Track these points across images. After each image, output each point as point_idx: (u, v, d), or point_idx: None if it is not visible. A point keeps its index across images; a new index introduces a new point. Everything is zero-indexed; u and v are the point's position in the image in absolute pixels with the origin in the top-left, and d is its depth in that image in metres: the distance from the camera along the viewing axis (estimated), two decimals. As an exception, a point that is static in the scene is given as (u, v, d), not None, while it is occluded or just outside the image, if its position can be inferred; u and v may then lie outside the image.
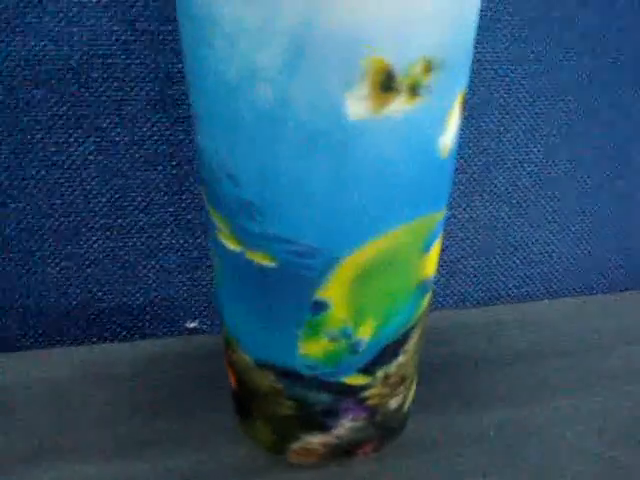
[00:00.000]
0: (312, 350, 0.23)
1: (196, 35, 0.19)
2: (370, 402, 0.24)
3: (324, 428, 0.24)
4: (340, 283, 0.22)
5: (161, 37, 0.34)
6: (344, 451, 0.25)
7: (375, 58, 0.18)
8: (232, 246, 0.22)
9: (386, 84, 0.19)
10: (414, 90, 0.19)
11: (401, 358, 0.24)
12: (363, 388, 0.24)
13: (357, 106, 0.19)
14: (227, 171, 0.21)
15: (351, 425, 0.24)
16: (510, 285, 0.43)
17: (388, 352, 0.24)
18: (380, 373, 0.24)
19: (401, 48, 0.19)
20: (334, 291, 0.22)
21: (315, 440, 0.24)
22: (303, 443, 0.25)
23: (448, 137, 0.21)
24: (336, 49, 0.18)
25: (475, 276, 0.42)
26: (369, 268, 0.22)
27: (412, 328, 0.24)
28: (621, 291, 0.45)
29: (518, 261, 0.42)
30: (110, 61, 0.33)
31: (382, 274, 0.22)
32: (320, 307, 0.22)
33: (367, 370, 0.23)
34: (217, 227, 0.22)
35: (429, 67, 0.19)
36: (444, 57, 0.20)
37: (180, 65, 0.34)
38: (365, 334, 0.23)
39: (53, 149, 0.34)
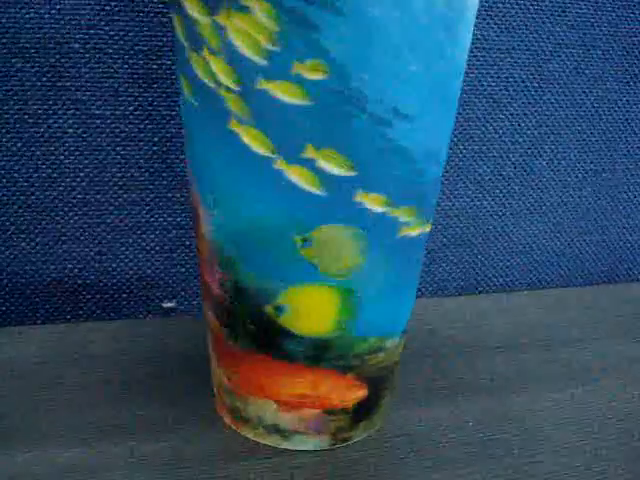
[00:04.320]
0: None
1: None
2: None
3: None
4: None
5: (146, 9, 0.33)
6: None
7: None
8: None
9: None
10: None
11: None
12: None
13: None
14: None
15: None
16: (490, 275, 0.43)
17: None
18: None
19: None
20: None
21: None
22: None
23: None
24: None
25: (455, 265, 0.42)
26: None
27: None
28: (598, 284, 0.45)
29: (498, 251, 0.42)
30: (92, 32, 0.32)
31: None
32: None
33: None
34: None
35: None
36: None
37: (165, 39, 0.33)
38: None
39: (30, 121, 0.33)
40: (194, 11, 0.19)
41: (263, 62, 0.19)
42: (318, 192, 0.21)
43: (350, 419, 0.25)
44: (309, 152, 0.20)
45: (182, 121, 0.23)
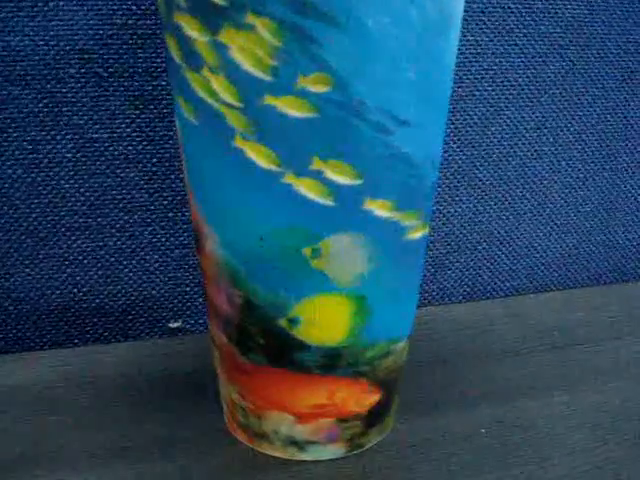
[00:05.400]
0: None
1: None
2: None
3: None
4: None
5: (140, 31, 0.33)
6: None
7: None
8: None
9: None
10: None
11: None
12: None
13: None
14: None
15: None
16: (495, 279, 0.43)
17: None
18: None
19: None
20: None
21: None
22: None
23: None
24: None
25: (461, 271, 0.42)
26: None
27: None
28: (605, 284, 0.45)
29: (503, 255, 0.42)
30: (87, 57, 0.33)
31: None
32: None
33: None
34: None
35: None
36: None
37: (159, 60, 0.33)
38: None
39: (29, 147, 0.33)
40: (192, 31, 0.19)
41: (268, 78, 0.19)
42: (327, 202, 0.21)
43: (364, 425, 0.25)
44: (316, 164, 0.20)
45: (180, 141, 0.23)
